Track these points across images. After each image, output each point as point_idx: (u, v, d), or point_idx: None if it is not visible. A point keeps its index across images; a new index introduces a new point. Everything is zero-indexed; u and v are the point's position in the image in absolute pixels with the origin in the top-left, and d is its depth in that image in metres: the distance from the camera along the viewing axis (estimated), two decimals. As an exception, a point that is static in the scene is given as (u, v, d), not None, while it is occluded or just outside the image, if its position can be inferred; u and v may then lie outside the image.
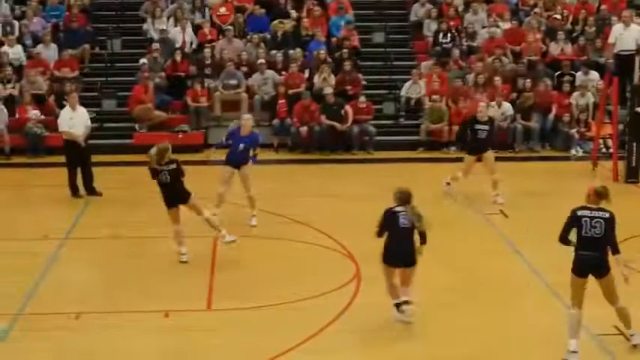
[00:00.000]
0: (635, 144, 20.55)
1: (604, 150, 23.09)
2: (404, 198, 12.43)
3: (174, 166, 14.91)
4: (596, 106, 23.97)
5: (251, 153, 16.91)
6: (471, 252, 15.70)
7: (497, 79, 24.61)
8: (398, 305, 12.29)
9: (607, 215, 11.19)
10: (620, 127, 21.77)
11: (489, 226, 17.16)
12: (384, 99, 25.39)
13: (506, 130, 24.04)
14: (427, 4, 27.40)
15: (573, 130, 24.07)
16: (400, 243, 12.18)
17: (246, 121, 17.02)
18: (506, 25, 26.81)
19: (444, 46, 26.21)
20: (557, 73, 25.43)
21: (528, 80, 24.74)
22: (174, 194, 14.91)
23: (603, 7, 27.61)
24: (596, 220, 11.14)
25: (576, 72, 25.44)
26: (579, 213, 11.20)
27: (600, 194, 11.29)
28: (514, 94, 24.84)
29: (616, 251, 11.27)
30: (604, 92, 22.28)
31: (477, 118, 18.81)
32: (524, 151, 24.05)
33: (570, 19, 27.37)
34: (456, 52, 25.76)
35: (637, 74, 20.73)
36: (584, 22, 27.01)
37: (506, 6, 27.64)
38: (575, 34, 26.77)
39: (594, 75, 25.13)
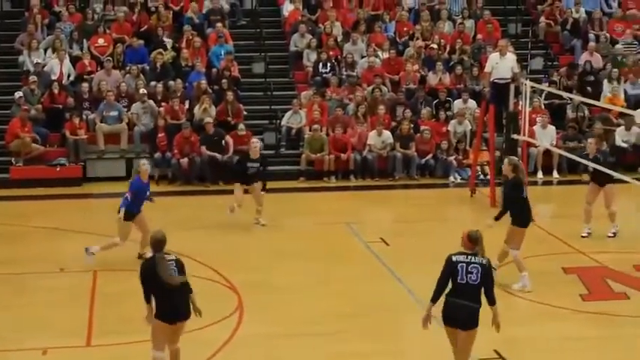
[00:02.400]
0: (511, 170, 20.91)
1: (481, 177, 23.49)
2: (158, 243, 10.97)
3: None
4: (473, 133, 24.39)
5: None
6: (353, 279, 15.75)
7: (382, 108, 24.88)
8: None
9: (484, 262, 10.55)
10: (497, 153, 22.15)
11: (370, 254, 17.25)
12: (265, 129, 25.40)
13: (386, 158, 24.28)
14: (307, 34, 27.56)
15: (451, 158, 24.42)
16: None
17: (144, 165, 16.68)
18: (385, 55, 27.14)
19: (324, 75, 26.40)
20: (435, 102, 25.81)
21: (407, 110, 25.08)
22: None
23: (479, 36, 28.19)
24: (472, 265, 10.48)
25: (453, 100, 25.89)
26: (454, 258, 10.55)
27: (473, 239, 10.62)
28: (394, 123, 25.12)
29: (493, 302, 10.67)
30: (481, 120, 22.67)
31: (250, 155, 19.36)
32: (403, 178, 24.28)
33: (447, 48, 27.84)
34: (335, 82, 25.96)
35: (512, 102, 21.13)
36: (461, 51, 27.51)
37: (385, 36, 27.97)
38: (452, 63, 27.22)
39: (472, 103, 25.59)
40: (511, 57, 21.84)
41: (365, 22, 28.21)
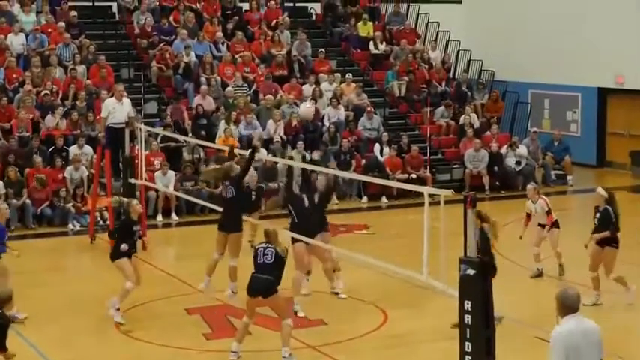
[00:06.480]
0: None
1: (101, 222, 23.23)
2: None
3: None
4: (90, 179, 24.11)
5: None
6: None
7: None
8: None
9: (279, 250, 13.67)
10: (116, 198, 22.05)
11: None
12: None
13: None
14: None
15: (69, 205, 23.99)
16: None
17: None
18: (-7, 102, 26.29)
19: None
20: (50, 149, 25.33)
21: (20, 158, 24.45)
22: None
23: (91, 81, 27.89)
24: (268, 249, 13.60)
25: (69, 146, 25.52)
26: (257, 246, 13.97)
27: (267, 234, 13.76)
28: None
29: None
30: (97, 165, 22.48)
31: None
32: (19, 229, 23.28)
33: (60, 94, 27.38)
34: None
35: (128, 146, 21.15)
36: (75, 96, 27.18)
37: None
38: (66, 109, 26.79)
39: (88, 149, 25.31)
40: (127, 102, 21.97)
41: (-29, 70, 27.22)
